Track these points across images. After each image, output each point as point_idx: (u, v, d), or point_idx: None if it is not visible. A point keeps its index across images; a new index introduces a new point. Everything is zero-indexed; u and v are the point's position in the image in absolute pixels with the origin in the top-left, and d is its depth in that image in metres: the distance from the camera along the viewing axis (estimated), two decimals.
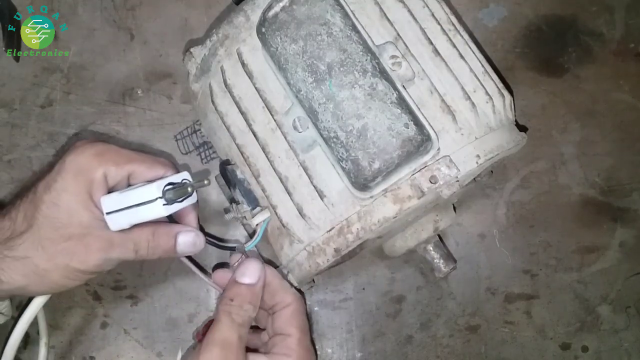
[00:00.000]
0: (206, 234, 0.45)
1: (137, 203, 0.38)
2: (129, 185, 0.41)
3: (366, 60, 0.38)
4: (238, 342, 0.40)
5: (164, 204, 0.39)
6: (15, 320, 0.43)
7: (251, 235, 0.47)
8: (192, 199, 0.41)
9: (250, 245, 0.45)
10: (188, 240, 0.42)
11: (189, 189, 0.40)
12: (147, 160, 0.41)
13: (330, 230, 0.41)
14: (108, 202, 0.39)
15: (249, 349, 0.42)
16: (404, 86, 0.39)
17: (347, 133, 0.37)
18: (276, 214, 0.43)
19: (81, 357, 0.54)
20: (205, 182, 0.40)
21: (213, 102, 0.45)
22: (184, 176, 0.41)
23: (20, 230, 0.38)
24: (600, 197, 0.58)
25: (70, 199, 0.38)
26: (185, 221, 0.44)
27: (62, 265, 0.38)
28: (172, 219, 0.45)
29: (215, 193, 0.55)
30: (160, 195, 0.38)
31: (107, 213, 0.39)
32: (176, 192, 0.39)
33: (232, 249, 0.48)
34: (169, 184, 0.40)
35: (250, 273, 0.44)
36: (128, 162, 0.40)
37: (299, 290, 0.46)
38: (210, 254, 0.55)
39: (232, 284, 0.44)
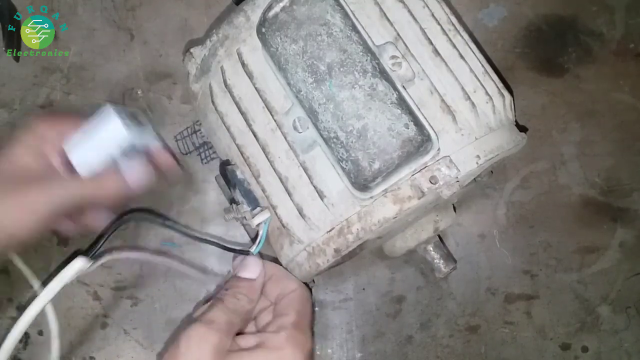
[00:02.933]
0: (218, 240, 0.46)
1: (97, 131, 0.41)
2: None
3: (366, 60, 0.38)
4: (225, 325, 0.40)
5: (122, 122, 0.40)
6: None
7: (252, 237, 0.47)
8: (149, 133, 0.43)
9: (255, 250, 0.45)
10: (135, 172, 0.42)
11: (137, 111, 0.42)
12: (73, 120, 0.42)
13: (330, 230, 0.41)
14: (71, 144, 0.41)
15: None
16: (404, 86, 0.39)
17: (347, 133, 0.37)
18: (276, 214, 0.43)
19: (81, 357, 0.54)
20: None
21: (213, 102, 0.45)
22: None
23: None
24: (600, 197, 0.58)
25: (22, 152, 0.41)
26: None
27: (16, 206, 0.39)
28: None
29: (215, 193, 0.55)
30: (114, 111, 0.40)
31: (73, 156, 0.41)
32: (127, 112, 0.42)
33: (247, 253, 0.47)
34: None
35: (250, 268, 0.44)
36: (76, 122, 0.42)
37: (307, 285, 0.46)
38: (211, 254, 0.55)
39: (232, 278, 0.44)
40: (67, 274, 0.39)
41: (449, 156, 0.39)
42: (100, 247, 0.40)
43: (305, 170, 0.41)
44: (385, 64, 0.39)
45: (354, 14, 0.39)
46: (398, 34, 0.41)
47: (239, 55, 0.43)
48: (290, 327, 0.41)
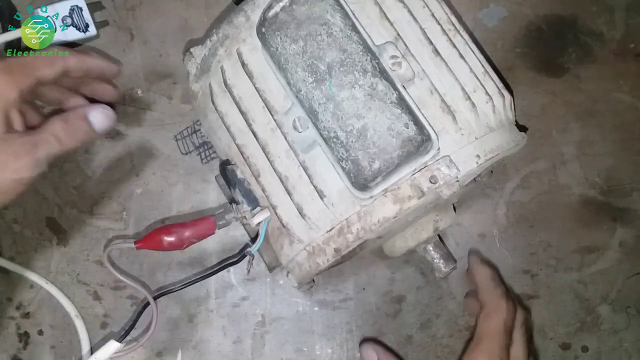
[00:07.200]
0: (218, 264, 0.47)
1: None
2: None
3: (366, 60, 0.38)
4: None
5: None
6: None
7: (252, 236, 0.47)
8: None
9: (254, 248, 0.45)
10: (99, 116, 0.42)
11: None
12: (49, 61, 0.40)
13: (330, 230, 0.41)
14: None
15: None
16: (404, 86, 0.39)
17: (347, 133, 0.37)
18: (276, 214, 0.43)
19: (81, 358, 0.54)
20: None
21: (213, 102, 0.45)
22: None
23: None
24: (600, 197, 0.58)
25: None
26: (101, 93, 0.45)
27: None
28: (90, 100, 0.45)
29: (215, 193, 0.55)
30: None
31: None
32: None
33: (244, 256, 0.47)
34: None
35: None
36: (34, 69, 0.39)
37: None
38: (210, 254, 0.55)
39: None
40: (101, 355, 0.48)
41: (449, 156, 0.39)
42: (128, 333, 0.49)
43: (305, 170, 0.41)
44: (385, 64, 0.39)
45: (354, 14, 0.40)
46: (398, 34, 0.41)
47: (239, 55, 0.43)
48: None
